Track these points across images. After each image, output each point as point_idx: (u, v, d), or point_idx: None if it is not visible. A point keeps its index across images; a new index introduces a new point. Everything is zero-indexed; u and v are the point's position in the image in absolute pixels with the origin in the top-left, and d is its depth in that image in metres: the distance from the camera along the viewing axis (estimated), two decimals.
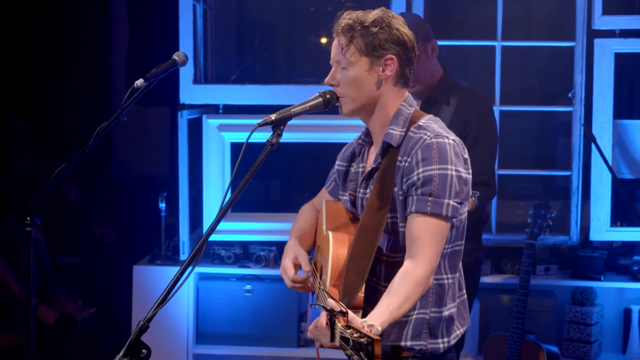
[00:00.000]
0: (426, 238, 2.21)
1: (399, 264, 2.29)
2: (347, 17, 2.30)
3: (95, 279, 5.13)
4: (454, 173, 2.23)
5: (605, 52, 4.38)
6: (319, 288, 2.28)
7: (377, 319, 2.11)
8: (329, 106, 2.33)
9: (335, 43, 2.32)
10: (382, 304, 2.16)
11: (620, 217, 4.48)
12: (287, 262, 2.47)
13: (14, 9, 5.29)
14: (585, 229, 4.51)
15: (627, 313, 4.52)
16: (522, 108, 4.68)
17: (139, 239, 4.93)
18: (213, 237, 4.32)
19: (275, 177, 5.26)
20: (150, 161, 5.54)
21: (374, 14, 2.29)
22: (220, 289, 4.54)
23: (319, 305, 2.07)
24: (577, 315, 4.42)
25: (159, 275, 4.48)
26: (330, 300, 2.03)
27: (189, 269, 2.01)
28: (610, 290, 4.53)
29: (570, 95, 4.45)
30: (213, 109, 4.59)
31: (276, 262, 4.52)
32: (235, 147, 4.56)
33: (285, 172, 5.18)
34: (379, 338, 1.81)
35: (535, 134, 5.10)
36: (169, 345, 4.44)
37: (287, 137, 2.43)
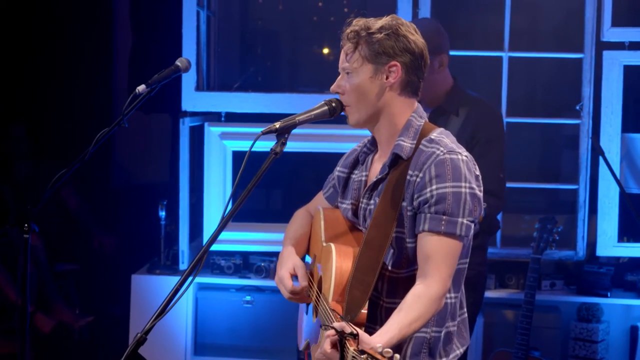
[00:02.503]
0: (440, 258, 2.15)
1: (402, 279, 2.23)
2: (355, 24, 2.25)
3: (93, 287, 5.10)
4: (467, 191, 2.16)
5: (614, 65, 4.34)
6: (324, 307, 2.20)
7: (387, 335, 2.07)
8: (335, 115, 2.28)
9: (342, 50, 2.27)
10: (392, 320, 2.11)
11: (627, 232, 4.44)
12: (284, 272, 2.40)
13: (16, 15, 5.26)
14: (591, 244, 4.46)
15: (634, 330, 4.47)
16: (528, 120, 4.64)
17: (138, 247, 4.89)
18: (213, 247, 4.26)
19: (277, 187, 5.22)
20: (150, 168, 5.52)
21: (382, 21, 2.23)
22: (220, 299, 4.50)
23: (326, 326, 2.01)
24: (582, 332, 4.36)
25: (157, 284, 4.44)
26: (338, 321, 1.96)
27: (189, 280, 1.96)
28: (617, 307, 4.48)
29: (578, 107, 4.41)
30: (215, 117, 4.56)
31: None
32: (237, 156, 4.51)
33: (287, 182, 5.14)
34: None
35: (542, 146, 5.06)
36: (167, 356, 4.39)
37: (291, 146, 2.37)
